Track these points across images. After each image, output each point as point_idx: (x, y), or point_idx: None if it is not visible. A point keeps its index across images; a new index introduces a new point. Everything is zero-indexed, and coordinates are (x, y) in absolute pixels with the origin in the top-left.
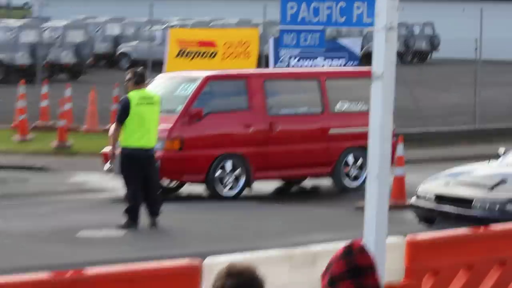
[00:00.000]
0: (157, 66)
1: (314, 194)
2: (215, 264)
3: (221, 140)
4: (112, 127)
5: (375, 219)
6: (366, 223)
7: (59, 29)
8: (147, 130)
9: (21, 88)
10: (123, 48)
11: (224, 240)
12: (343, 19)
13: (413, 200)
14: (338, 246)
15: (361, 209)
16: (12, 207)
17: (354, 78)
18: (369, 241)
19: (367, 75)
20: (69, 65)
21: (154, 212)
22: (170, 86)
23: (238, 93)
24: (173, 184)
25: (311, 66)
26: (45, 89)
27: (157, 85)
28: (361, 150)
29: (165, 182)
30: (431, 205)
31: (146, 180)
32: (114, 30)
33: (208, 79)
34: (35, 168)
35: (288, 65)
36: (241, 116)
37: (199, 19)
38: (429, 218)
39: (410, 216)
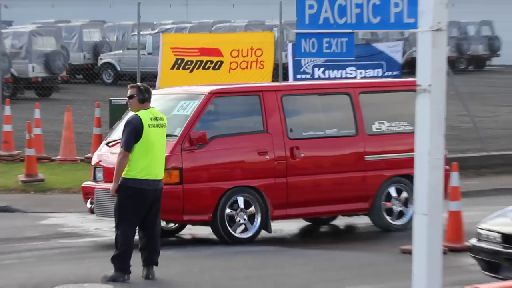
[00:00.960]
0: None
1: (348, 235)
2: None
3: (231, 170)
4: (119, 155)
5: (425, 266)
6: (414, 272)
7: (24, 36)
8: (156, 158)
9: None
10: (105, 58)
11: None
12: (377, 20)
13: (473, 242)
14: None
15: (408, 253)
16: None
17: (395, 92)
18: None
19: (411, 87)
20: (37, 80)
21: (152, 261)
22: (166, 104)
23: (250, 112)
24: (172, 225)
25: (340, 77)
26: (7, 110)
27: None
28: (406, 181)
29: (162, 222)
30: (497, 248)
31: (148, 221)
32: (93, 36)
33: (213, 95)
34: None
35: (312, 77)
36: (255, 140)
37: (198, 21)
38: (493, 264)
39: (469, 261)
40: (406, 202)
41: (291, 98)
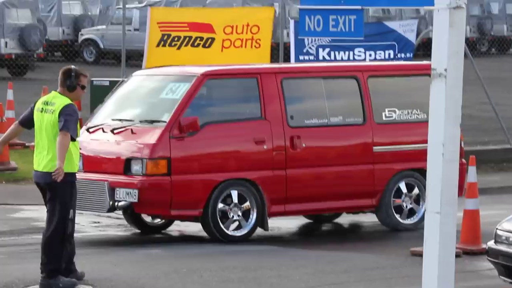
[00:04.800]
0: (135, 59)
1: (353, 235)
2: None
3: (224, 161)
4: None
5: (436, 270)
6: (424, 275)
7: None
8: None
9: None
10: (87, 34)
11: None
12: None
13: (490, 244)
14: None
15: (419, 256)
16: None
17: (408, 76)
18: None
19: (426, 71)
20: (11, 57)
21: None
22: (153, 87)
23: (247, 97)
24: (158, 221)
25: (347, 59)
26: None
27: (134, 86)
28: (418, 175)
29: (147, 218)
30: None
31: None
32: (73, 9)
33: (205, 76)
34: None
35: (316, 58)
36: (251, 128)
37: None
38: None
39: (486, 265)
40: (418, 199)
41: (292, 82)
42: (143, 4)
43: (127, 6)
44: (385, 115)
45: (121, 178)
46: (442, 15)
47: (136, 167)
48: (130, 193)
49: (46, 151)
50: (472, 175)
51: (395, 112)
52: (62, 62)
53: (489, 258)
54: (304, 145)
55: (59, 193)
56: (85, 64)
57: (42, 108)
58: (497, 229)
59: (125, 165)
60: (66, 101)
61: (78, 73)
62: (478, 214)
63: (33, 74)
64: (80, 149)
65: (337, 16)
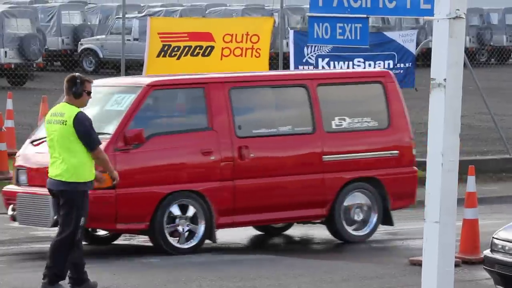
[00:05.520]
0: (134, 69)
1: (351, 244)
2: None
3: (171, 172)
4: (101, 152)
5: (436, 279)
6: (424, 285)
7: None
8: None
9: None
10: (86, 43)
11: None
12: (392, 5)
13: (486, 253)
14: None
15: (418, 265)
16: None
17: (358, 84)
18: None
19: (376, 78)
20: (10, 67)
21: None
22: (98, 98)
23: (194, 108)
24: (106, 233)
25: (347, 68)
26: None
27: None
28: (368, 186)
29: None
30: None
31: None
32: (73, 18)
33: (151, 87)
34: None
35: (316, 68)
36: (198, 139)
37: (190, 4)
38: (509, 278)
39: (484, 275)
40: (369, 210)
41: (241, 91)
42: (142, 14)
43: (126, 16)
44: (335, 123)
45: None
46: (442, 25)
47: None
48: None
49: (60, 160)
50: (471, 184)
51: (345, 120)
52: (61, 72)
53: (485, 267)
54: (252, 155)
55: (72, 201)
56: (84, 74)
57: (51, 120)
58: (493, 237)
59: None
60: (75, 110)
61: (83, 80)
62: (477, 223)
63: (33, 84)
64: (25, 162)
65: (344, 24)
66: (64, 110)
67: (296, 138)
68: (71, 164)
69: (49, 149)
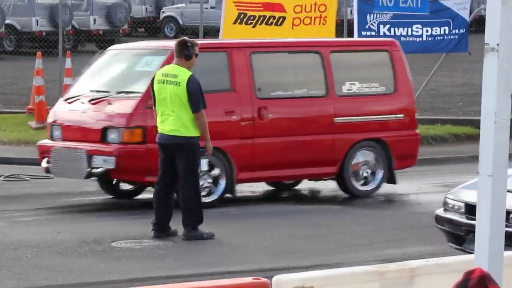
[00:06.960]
0: (211, 34)
1: (403, 196)
2: (286, 283)
3: None
4: (202, 117)
5: (488, 229)
6: (477, 234)
7: None
8: None
9: (38, 62)
10: (167, 11)
11: (285, 255)
12: None
13: (439, 212)
14: (442, 261)
15: None
16: (30, 212)
17: (368, 52)
18: (481, 257)
19: (384, 47)
20: (99, 33)
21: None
22: (128, 60)
23: (217, 70)
24: (131, 187)
25: (406, 35)
26: (68, 63)
27: (110, 60)
28: (376, 145)
29: (121, 184)
30: (461, 219)
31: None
32: None
33: None
34: None
35: (377, 34)
36: (221, 99)
37: None
38: (458, 236)
39: None
40: (375, 167)
41: (260, 56)
42: None
43: None
44: (346, 88)
45: (98, 146)
46: None
47: (112, 136)
48: (107, 160)
49: (174, 117)
50: None
51: (355, 85)
52: (145, 38)
53: (437, 226)
54: (270, 115)
55: (192, 152)
56: (165, 39)
57: (164, 80)
58: (445, 197)
59: (102, 134)
60: (187, 73)
61: (192, 43)
62: None
63: None
64: (58, 119)
65: None
66: (177, 72)
67: (310, 101)
68: (187, 120)
69: (159, 107)
